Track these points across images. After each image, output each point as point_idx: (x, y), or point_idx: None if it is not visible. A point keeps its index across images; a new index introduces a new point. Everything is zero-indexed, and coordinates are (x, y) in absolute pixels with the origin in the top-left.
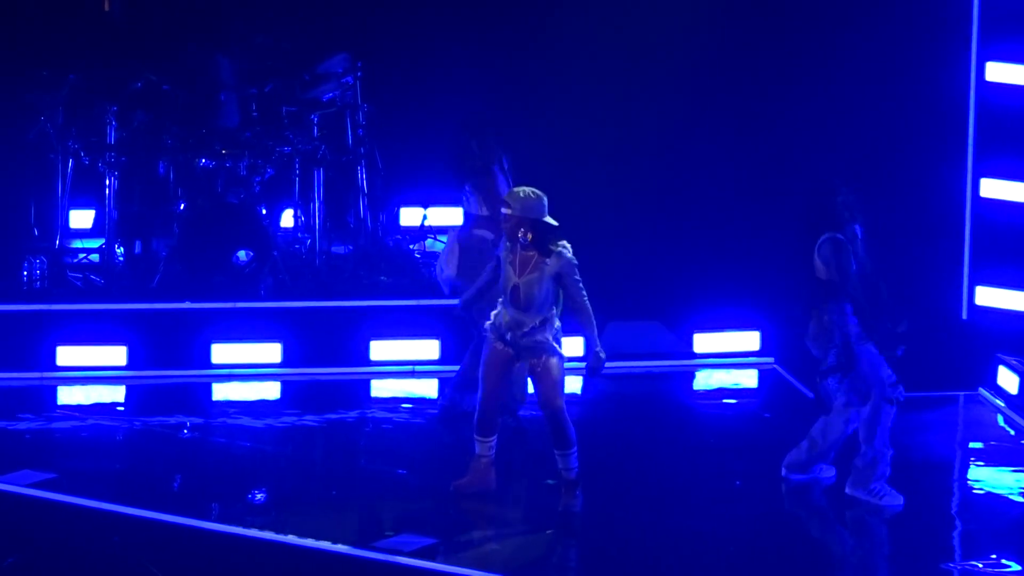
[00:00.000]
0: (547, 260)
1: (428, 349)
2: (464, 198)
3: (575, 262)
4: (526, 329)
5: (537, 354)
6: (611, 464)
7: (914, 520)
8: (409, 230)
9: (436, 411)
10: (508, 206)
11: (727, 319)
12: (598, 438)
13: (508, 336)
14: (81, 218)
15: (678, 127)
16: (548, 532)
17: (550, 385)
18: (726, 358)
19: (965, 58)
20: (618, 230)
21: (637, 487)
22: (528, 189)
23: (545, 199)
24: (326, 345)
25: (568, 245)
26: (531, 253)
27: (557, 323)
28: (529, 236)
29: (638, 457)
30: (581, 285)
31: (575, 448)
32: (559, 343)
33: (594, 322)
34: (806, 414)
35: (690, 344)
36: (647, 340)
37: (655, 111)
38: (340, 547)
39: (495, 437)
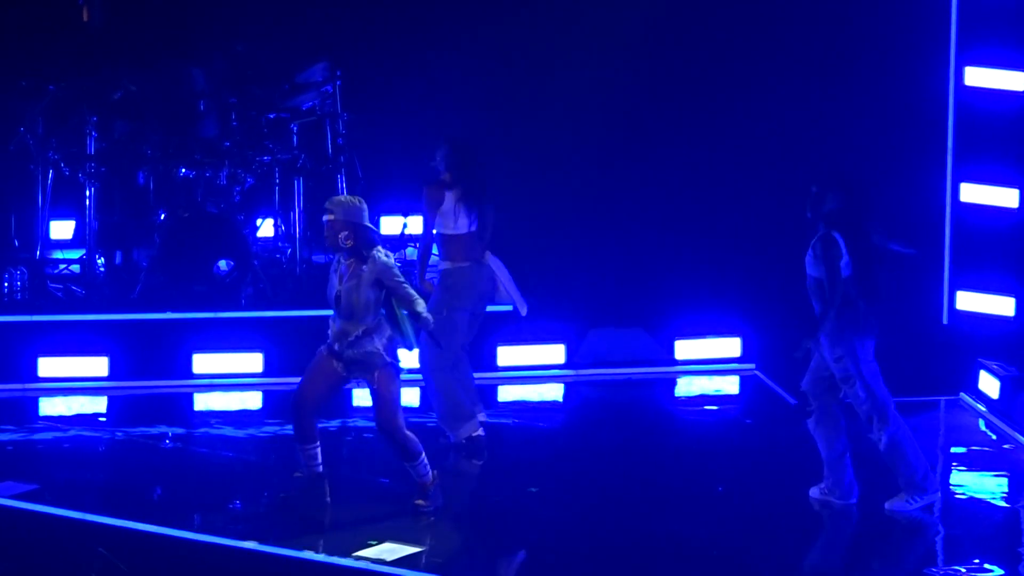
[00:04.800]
0: (364, 267)
1: (409, 358)
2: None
3: (391, 264)
4: (351, 338)
5: (369, 368)
6: (593, 470)
7: (896, 525)
8: (389, 239)
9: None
10: (329, 212)
11: (708, 325)
12: (580, 445)
13: (336, 347)
14: (61, 229)
15: (658, 135)
16: (531, 540)
17: (385, 405)
18: (707, 364)
19: (944, 63)
20: (598, 237)
21: (619, 493)
22: (347, 196)
23: (365, 207)
24: (307, 354)
25: (383, 250)
26: (351, 260)
27: (389, 332)
28: (349, 242)
29: (620, 463)
30: (404, 283)
31: (422, 457)
32: (393, 353)
33: (420, 305)
34: (787, 420)
35: (671, 351)
36: (628, 347)
37: (637, 119)
38: (322, 556)
39: (316, 445)
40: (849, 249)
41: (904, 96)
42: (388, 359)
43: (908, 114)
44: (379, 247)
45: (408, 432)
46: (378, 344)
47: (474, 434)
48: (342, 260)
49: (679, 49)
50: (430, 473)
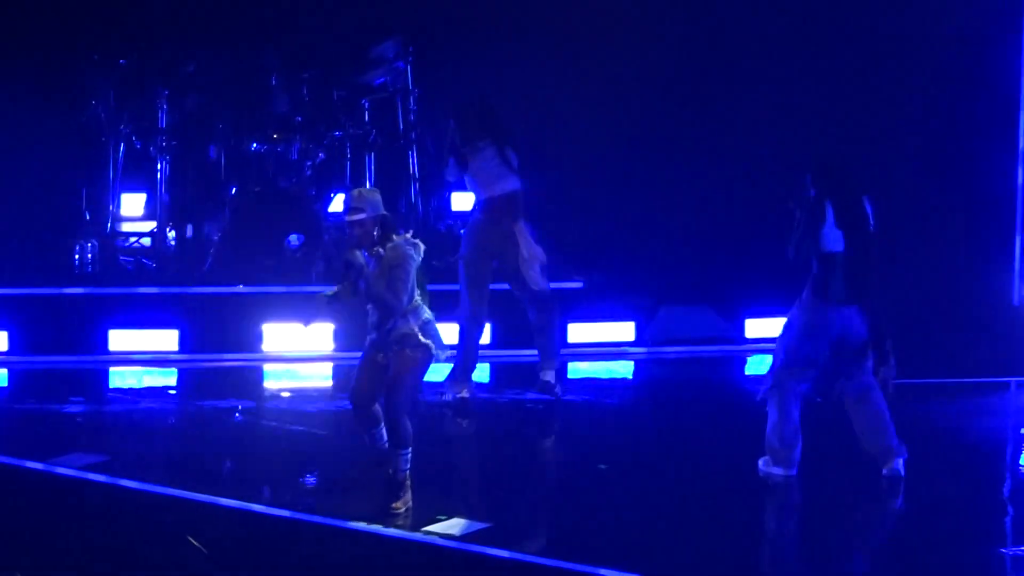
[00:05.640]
0: (382, 251)
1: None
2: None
3: (408, 253)
4: (388, 325)
5: (399, 347)
6: (662, 448)
7: (966, 505)
8: (460, 215)
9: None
10: (358, 211)
11: (778, 304)
12: (649, 423)
13: (375, 335)
14: (133, 202)
15: (733, 114)
16: (600, 517)
17: (395, 378)
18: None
19: (1016, 43)
20: (669, 215)
21: (689, 472)
22: (366, 189)
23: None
24: None
25: (411, 238)
26: (376, 249)
27: (427, 313)
28: (380, 235)
29: (689, 442)
30: (402, 280)
31: (409, 450)
32: (431, 334)
33: (389, 304)
34: None
35: (742, 329)
36: (698, 325)
37: (709, 97)
38: (392, 530)
39: (381, 427)
40: (839, 222)
41: (975, 78)
42: (422, 341)
43: (979, 96)
44: (406, 235)
45: (408, 421)
46: (413, 325)
47: (460, 395)
48: (365, 251)
49: (757, 31)
50: (408, 471)
